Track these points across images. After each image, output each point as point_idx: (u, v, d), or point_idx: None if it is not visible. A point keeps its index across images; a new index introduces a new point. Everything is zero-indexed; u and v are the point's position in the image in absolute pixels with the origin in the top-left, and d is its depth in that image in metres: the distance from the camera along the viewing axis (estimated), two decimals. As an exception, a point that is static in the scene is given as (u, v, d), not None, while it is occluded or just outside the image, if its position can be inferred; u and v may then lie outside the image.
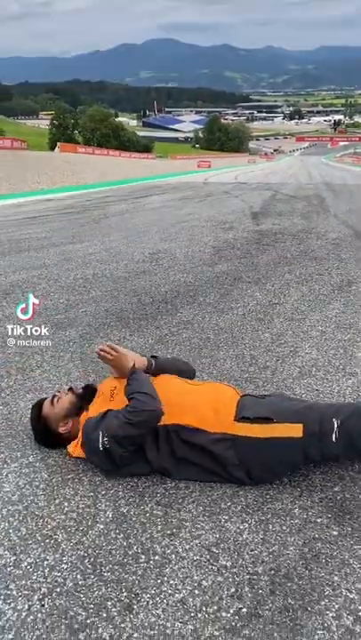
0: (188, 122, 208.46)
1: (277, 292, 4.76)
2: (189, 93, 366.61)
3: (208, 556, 1.67)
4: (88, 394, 2.24)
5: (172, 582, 1.57)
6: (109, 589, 1.55)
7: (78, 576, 1.60)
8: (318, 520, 1.83)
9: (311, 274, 5.41)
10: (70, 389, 2.26)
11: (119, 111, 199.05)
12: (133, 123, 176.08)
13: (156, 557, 1.67)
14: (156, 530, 1.79)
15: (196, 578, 1.59)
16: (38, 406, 2.28)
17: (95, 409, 2.12)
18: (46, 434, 2.24)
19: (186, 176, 30.02)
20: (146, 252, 6.65)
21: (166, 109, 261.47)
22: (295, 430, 1.92)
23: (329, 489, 2.00)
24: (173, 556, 1.67)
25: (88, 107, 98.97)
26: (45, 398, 2.31)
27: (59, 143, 52.59)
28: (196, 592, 1.54)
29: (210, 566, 1.63)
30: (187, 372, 2.40)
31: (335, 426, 1.90)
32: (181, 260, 6.13)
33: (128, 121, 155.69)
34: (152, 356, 2.36)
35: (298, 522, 1.82)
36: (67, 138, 65.32)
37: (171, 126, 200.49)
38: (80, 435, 2.09)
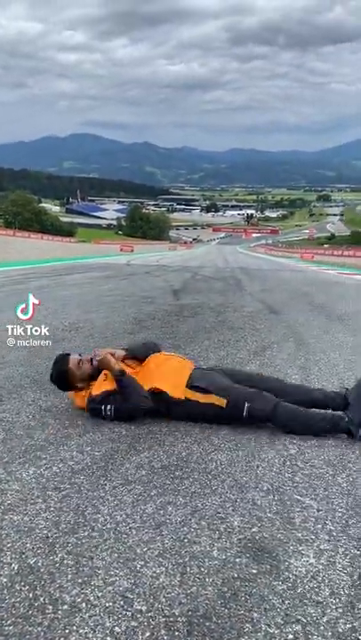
0: (112, 210, 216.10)
1: (197, 356, 4.83)
2: (112, 184, 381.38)
3: (122, 602, 1.55)
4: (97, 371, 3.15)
5: (81, 631, 1.43)
6: (10, 644, 1.39)
7: (-25, 633, 1.43)
8: (237, 560, 1.77)
9: (229, 340, 5.56)
10: (90, 360, 3.16)
11: (42, 197, 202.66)
12: (57, 209, 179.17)
13: (65, 607, 1.53)
14: (65, 579, 1.65)
15: (108, 625, 1.46)
16: (65, 361, 3.20)
17: (97, 387, 3.08)
18: (66, 380, 3.21)
19: (109, 258, 30.61)
20: (66, 322, 6.58)
21: (89, 198, 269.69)
22: (221, 402, 2.94)
23: (247, 530, 1.96)
24: (84, 604, 1.54)
25: (11, 192, 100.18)
26: (69, 355, 3.22)
27: (-21, 225, 52.33)
28: (108, 639, 1.41)
29: (124, 612, 1.51)
30: (156, 348, 3.39)
31: (245, 407, 2.89)
32: (102, 329, 6.12)
33: (51, 207, 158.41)
34: (124, 349, 3.32)
35: (217, 563, 1.75)
36: (-13, 221, 65.24)
37: (94, 214, 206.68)
38: (85, 403, 3.13)
